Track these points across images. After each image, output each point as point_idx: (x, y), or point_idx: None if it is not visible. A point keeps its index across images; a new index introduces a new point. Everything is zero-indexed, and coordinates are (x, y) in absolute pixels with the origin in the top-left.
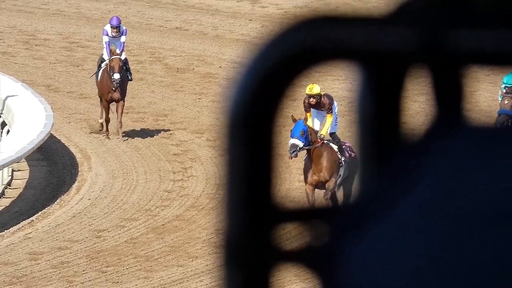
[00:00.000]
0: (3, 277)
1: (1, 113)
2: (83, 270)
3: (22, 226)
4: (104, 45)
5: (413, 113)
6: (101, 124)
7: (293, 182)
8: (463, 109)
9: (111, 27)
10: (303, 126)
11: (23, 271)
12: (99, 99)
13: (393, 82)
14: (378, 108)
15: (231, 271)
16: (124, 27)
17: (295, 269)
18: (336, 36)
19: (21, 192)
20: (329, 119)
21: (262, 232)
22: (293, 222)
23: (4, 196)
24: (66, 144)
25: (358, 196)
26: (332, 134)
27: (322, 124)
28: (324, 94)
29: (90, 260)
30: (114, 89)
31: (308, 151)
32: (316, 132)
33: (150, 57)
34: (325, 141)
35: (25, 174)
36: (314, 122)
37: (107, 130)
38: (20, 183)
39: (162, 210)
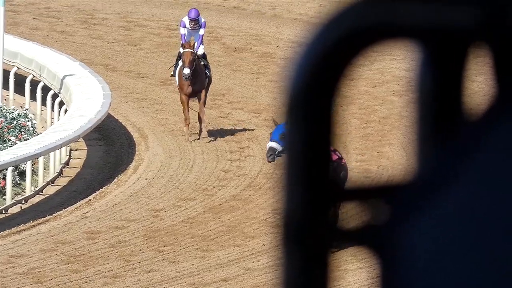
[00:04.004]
0: (61, 256)
1: (59, 92)
2: (140, 250)
3: (80, 205)
4: (181, 37)
5: (471, 93)
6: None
7: (350, 162)
8: None
9: (189, 19)
10: (283, 129)
11: (81, 250)
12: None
13: (453, 61)
14: (437, 87)
15: (290, 251)
16: (203, 19)
17: (352, 249)
18: (395, 15)
19: (78, 172)
20: None
21: (320, 212)
22: (351, 202)
23: (62, 175)
24: (123, 123)
25: (417, 176)
26: None
27: None
28: None
29: (147, 239)
30: (189, 84)
31: None
32: None
33: (207, 37)
34: None
35: (83, 153)
36: None
37: (187, 130)
38: (78, 162)
39: (219, 189)
